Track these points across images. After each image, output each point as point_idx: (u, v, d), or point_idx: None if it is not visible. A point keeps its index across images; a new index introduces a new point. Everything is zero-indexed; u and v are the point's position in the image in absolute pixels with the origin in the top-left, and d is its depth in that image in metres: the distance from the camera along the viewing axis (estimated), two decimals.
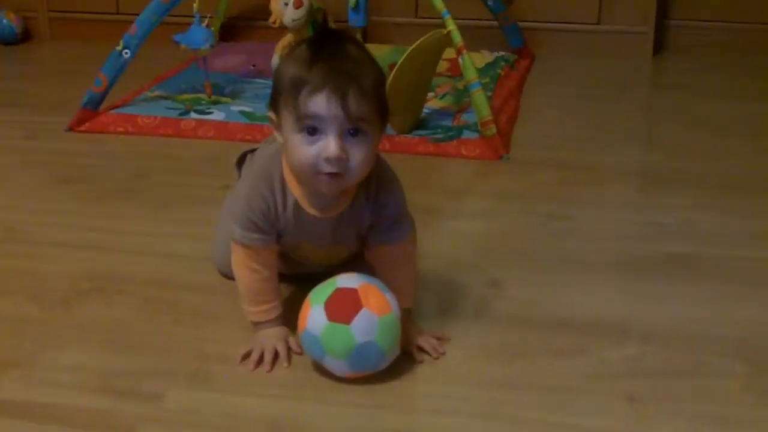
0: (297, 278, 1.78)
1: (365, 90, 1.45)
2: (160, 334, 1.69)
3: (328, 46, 1.48)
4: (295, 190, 1.57)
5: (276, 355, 1.59)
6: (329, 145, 1.44)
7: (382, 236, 1.62)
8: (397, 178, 1.63)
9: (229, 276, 1.79)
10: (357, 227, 1.62)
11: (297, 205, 1.58)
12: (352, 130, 1.45)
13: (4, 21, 3.86)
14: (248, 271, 1.62)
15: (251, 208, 1.58)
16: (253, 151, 1.80)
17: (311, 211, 1.58)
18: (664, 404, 1.48)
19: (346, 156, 1.45)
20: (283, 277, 1.73)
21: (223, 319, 1.72)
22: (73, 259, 1.97)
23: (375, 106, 1.47)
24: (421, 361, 1.58)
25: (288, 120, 1.47)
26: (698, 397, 1.49)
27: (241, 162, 1.82)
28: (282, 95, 1.48)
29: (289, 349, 1.61)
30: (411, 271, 1.66)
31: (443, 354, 1.60)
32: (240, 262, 1.63)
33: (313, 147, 1.45)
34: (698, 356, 1.60)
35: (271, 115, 1.54)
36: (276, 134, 1.55)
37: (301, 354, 1.59)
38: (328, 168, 1.46)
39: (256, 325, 1.64)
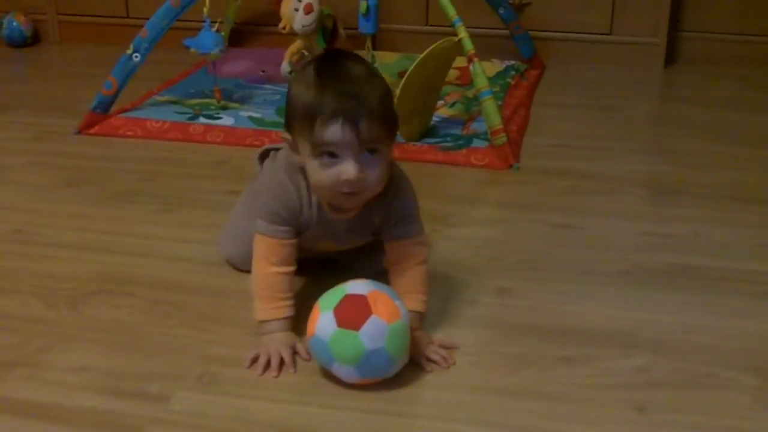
0: (305, 281, 1.78)
1: (374, 112, 1.52)
2: (167, 337, 1.68)
3: (333, 69, 1.56)
4: (313, 194, 1.64)
5: (282, 362, 1.58)
6: (347, 169, 1.51)
7: (392, 231, 1.68)
8: (409, 183, 1.69)
9: (236, 267, 1.86)
10: (370, 225, 1.69)
11: (320, 206, 1.64)
12: (369, 151, 1.53)
13: (14, 24, 3.87)
14: (268, 264, 1.64)
15: (277, 201, 1.64)
16: (277, 149, 1.80)
17: (329, 212, 1.64)
18: (673, 415, 1.47)
19: (364, 176, 1.53)
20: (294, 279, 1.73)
21: (230, 323, 1.72)
22: (80, 260, 1.97)
23: (385, 124, 1.56)
24: (431, 371, 1.57)
25: (305, 147, 1.55)
26: (708, 409, 1.49)
27: (263, 157, 1.83)
28: (296, 122, 1.56)
29: (296, 354, 1.60)
30: (422, 274, 1.68)
31: (453, 364, 1.59)
32: (261, 255, 1.66)
33: (332, 170, 1.53)
34: (707, 368, 1.60)
35: (287, 136, 1.60)
36: (292, 154, 1.61)
37: (308, 360, 1.59)
38: (347, 189, 1.54)
39: (264, 323, 1.64)
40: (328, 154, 1.52)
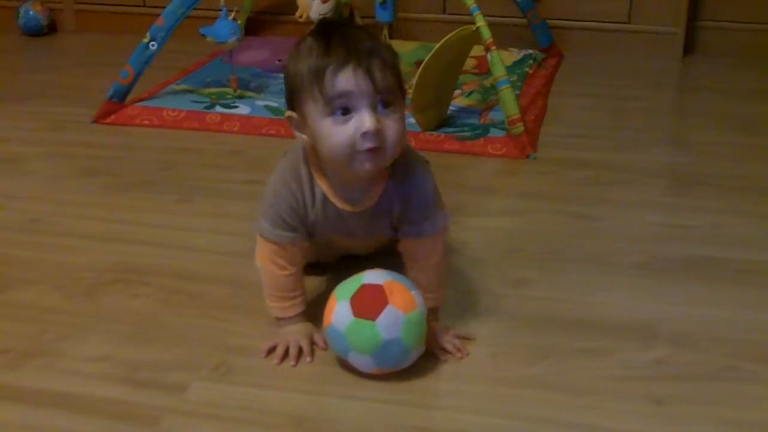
0: (322, 272, 1.78)
1: (387, 62, 1.45)
2: (184, 326, 1.68)
3: (335, 32, 1.47)
4: (322, 184, 1.56)
5: (300, 351, 1.58)
6: (365, 119, 1.42)
7: (411, 228, 1.60)
8: (424, 162, 1.61)
9: None
10: (389, 217, 1.60)
11: (325, 199, 1.56)
12: (382, 103, 1.44)
13: (31, 13, 3.87)
14: (274, 266, 1.61)
15: (279, 204, 1.58)
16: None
17: (342, 205, 1.57)
18: (692, 408, 1.46)
19: (382, 128, 1.43)
20: (308, 271, 1.72)
21: (246, 312, 1.71)
22: (97, 250, 1.97)
23: (397, 78, 1.47)
24: (446, 361, 1.57)
25: (314, 109, 1.45)
26: (727, 402, 1.48)
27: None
28: (303, 89, 1.46)
29: (313, 344, 1.60)
30: (440, 269, 1.64)
31: (467, 355, 1.59)
32: (265, 257, 1.62)
33: (348, 126, 1.43)
34: (726, 360, 1.59)
35: (291, 114, 1.52)
36: (298, 134, 1.53)
37: (325, 350, 1.59)
38: (367, 144, 1.43)
39: (279, 320, 1.64)
40: (342, 110, 1.43)
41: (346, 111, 1.43)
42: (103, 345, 1.62)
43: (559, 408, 1.46)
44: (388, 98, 1.44)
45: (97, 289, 1.81)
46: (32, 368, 1.56)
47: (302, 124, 1.50)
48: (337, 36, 1.46)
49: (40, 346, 1.62)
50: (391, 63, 1.46)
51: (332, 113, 1.43)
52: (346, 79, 1.41)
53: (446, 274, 1.68)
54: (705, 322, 1.71)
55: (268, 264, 1.62)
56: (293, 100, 1.50)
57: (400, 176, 1.56)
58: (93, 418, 1.43)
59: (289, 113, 1.53)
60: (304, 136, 1.52)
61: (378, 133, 1.43)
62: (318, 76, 1.42)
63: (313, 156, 1.55)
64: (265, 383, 1.52)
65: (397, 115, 1.46)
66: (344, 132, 1.43)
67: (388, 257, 1.71)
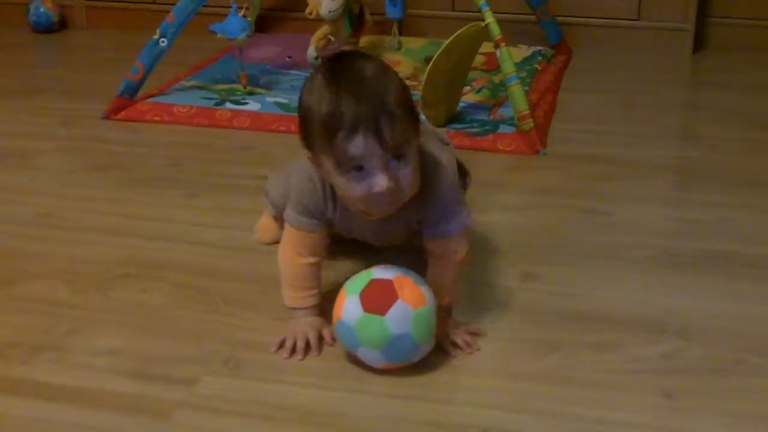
0: (332, 265, 1.78)
1: (394, 114, 1.43)
2: (194, 321, 1.69)
3: (344, 73, 1.47)
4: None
5: (308, 345, 1.59)
6: (378, 181, 1.44)
7: (431, 230, 1.61)
8: (442, 167, 1.60)
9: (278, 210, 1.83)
10: (406, 222, 1.63)
11: (345, 207, 1.59)
12: (394, 157, 1.45)
13: (41, 9, 3.87)
14: (295, 254, 1.64)
15: (303, 193, 1.61)
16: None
17: (359, 215, 1.56)
18: (702, 401, 1.46)
19: (395, 185, 1.45)
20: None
21: (256, 307, 1.72)
22: (107, 244, 1.98)
23: (406, 123, 1.46)
24: (455, 356, 1.57)
25: (328, 163, 1.47)
26: (737, 395, 1.48)
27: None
28: (315, 138, 1.47)
29: (321, 338, 1.61)
30: (461, 268, 1.64)
31: (477, 350, 1.59)
32: (288, 243, 1.65)
33: (362, 184, 1.45)
34: (736, 354, 1.58)
35: (308, 154, 1.53)
36: (316, 167, 1.55)
37: (332, 345, 1.59)
38: (381, 200, 1.47)
39: (292, 310, 1.64)
40: (355, 168, 1.44)
41: (360, 168, 1.45)
42: (114, 339, 1.63)
43: (568, 402, 1.46)
44: (399, 153, 1.45)
45: (107, 284, 1.82)
46: (42, 362, 1.56)
47: (318, 163, 1.52)
48: (347, 82, 1.45)
49: (50, 340, 1.63)
50: (399, 110, 1.45)
51: (347, 171, 1.46)
52: (358, 145, 1.42)
53: (462, 276, 1.68)
54: (714, 315, 1.70)
55: (290, 252, 1.64)
56: (307, 137, 1.51)
57: (420, 193, 1.55)
58: (103, 412, 1.44)
59: (306, 152, 1.54)
60: (322, 170, 1.53)
61: (391, 191, 1.45)
62: (330, 136, 1.43)
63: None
64: (275, 377, 1.52)
65: (410, 160, 1.48)
66: (359, 189, 1.46)
67: (403, 253, 1.72)
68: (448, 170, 1.61)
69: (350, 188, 1.47)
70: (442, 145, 1.73)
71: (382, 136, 1.42)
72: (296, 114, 1.55)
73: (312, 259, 1.64)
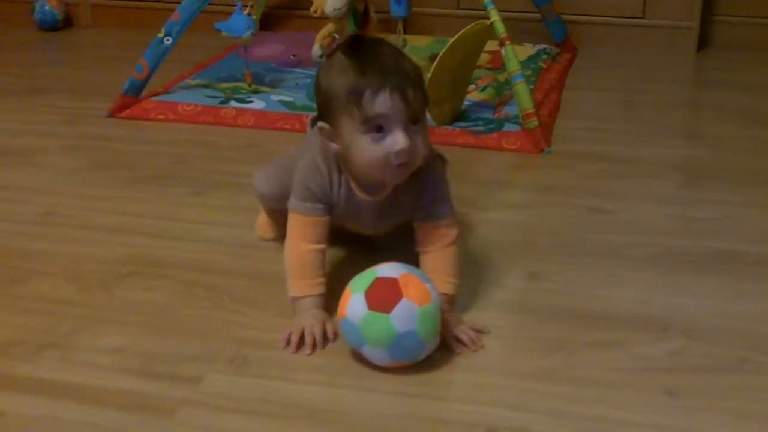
0: (337, 263, 1.78)
1: (416, 82, 1.57)
2: (199, 319, 1.69)
3: (367, 51, 1.60)
4: (348, 174, 1.65)
5: (314, 338, 1.59)
6: (398, 139, 1.53)
7: (423, 212, 1.68)
8: (438, 161, 1.71)
9: (266, 202, 1.91)
10: (399, 208, 1.69)
11: (349, 188, 1.66)
12: (412, 121, 1.54)
13: (46, 7, 3.88)
14: (303, 241, 1.67)
15: (309, 179, 1.67)
16: None
17: (360, 194, 1.66)
18: (706, 400, 1.46)
19: (414, 145, 1.55)
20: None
21: (261, 305, 1.72)
22: (112, 243, 1.98)
23: (423, 95, 1.59)
24: (459, 353, 1.57)
25: (350, 125, 1.56)
26: (740, 394, 1.48)
27: (314, 123, 1.82)
28: (339, 105, 1.57)
29: (325, 334, 1.61)
30: (452, 255, 1.68)
31: (482, 347, 1.59)
32: (295, 232, 1.68)
33: (382, 144, 1.54)
34: (740, 352, 1.58)
35: (324, 125, 1.62)
36: (328, 143, 1.62)
37: (333, 342, 1.60)
38: (399, 160, 1.55)
39: (296, 300, 1.65)
40: (377, 128, 1.53)
41: (380, 129, 1.54)
42: (119, 337, 1.63)
43: (572, 400, 1.46)
44: (417, 116, 1.56)
45: (112, 282, 1.82)
46: (47, 360, 1.57)
47: (334, 135, 1.61)
48: (370, 55, 1.58)
49: (55, 338, 1.63)
50: (419, 81, 1.58)
51: (369, 131, 1.55)
52: (384, 103, 1.53)
53: (460, 265, 1.69)
54: (719, 314, 1.70)
55: (296, 239, 1.67)
56: (327, 113, 1.61)
57: (416, 173, 1.63)
58: (108, 410, 1.44)
59: (321, 124, 1.62)
60: (335, 145, 1.61)
61: (410, 151, 1.55)
62: (356, 97, 1.54)
63: (336, 157, 1.65)
64: (280, 375, 1.52)
65: (422, 130, 1.59)
66: (379, 149, 1.55)
67: (403, 244, 1.72)
68: (442, 165, 1.73)
69: (370, 150, 1.55)
70: None
71: (405, 95, 1.53)
72: (301, 111, 1.60)
73: (318, 246, 1.67)
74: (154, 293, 1.78)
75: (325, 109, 1.62)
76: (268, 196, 1.89)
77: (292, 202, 1.69)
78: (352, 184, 1.66)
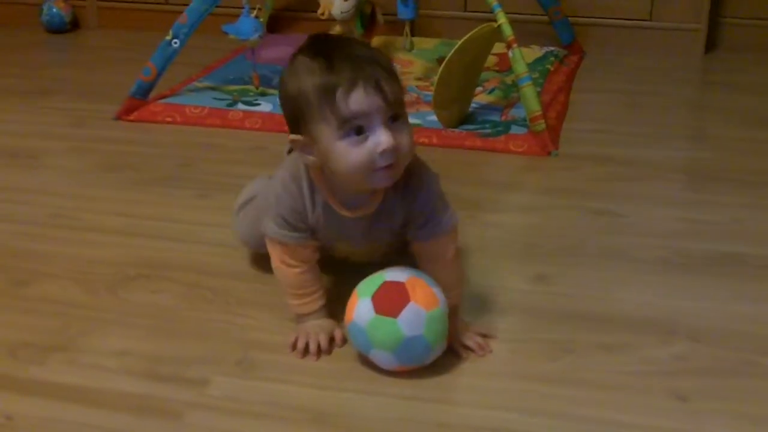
0: (344, 267, 1.78)
1: (390, 73, 1.44)
2: (205, 321, 1.69)
3: (331, 47, 1.46)
4: (323, 191, 1.55)
5: (318, 347, 1.59)
6: (381, 138, 1.41)
7: (417, 233, 1.58)
8: (427, 168, 1.58)
9: (258, 250, 1.79)
10: (389, 224, 1.59)
11: (327, 205, 1.56)
12: (392, 117, 1.43)
13: (54, 10, 3.88)
14: (285, 266, 1.62)
15: (282, 206, 1.57)
16: None
17: (342, 211, 1.55)
18: (713, 403, 1.46)
19: (398, 143, 1.42)
20: (330, 268, 1.73)
21: (267, 307, 1.72)
22: (119, 245, 1.98)
23: (399, 84, 1.45)
24: (466, 358, 1.57)
25: (326, 131, 1.43)
26: (748, 398, 1.47)
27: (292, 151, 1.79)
28: (310, 110, 1.44)
29: (332, 340, 1.60)
30: (454, 269, 1.62)
31: (489, 352, 1.59)
32: (276, 257, 1.62)
33: (364, 147, 1.42)
34: (748, 356, 1.58)
35: (296, 138, 1.49)
36: (303, 156, 1.51)
37: (341, 347, 1.60)
38: (383, 162, 1.43)
39: (300, 317, 1.64)
40: (356, 130, 1.41)
41: (360, 130, 1.42)
42: (125, 340, 1.63)
43: (579, 404, 1.46)
44: (397, 111, 1.44)
45: (119, 284, 1.82)
46: (54, 362, 1.57)
47: (309, 146, 1.48)
48: (335, 50, 1.45)
49: (62, 341, 1.63)
50: (394, 72, 1.45)
51: (347, 135, 1.42)
52: (359, 99, 1.40)
53: (462, 272, 1.68)
54: (726, 317, 1.70)
55: (279, 264, 1.62)
56: (298, 122, 1.48)
57: (400, 184, 1.54)
58: (115, 413, 1.44)
59: (293, 137, 1.50)
60: (311, 158, 1.50)
61: (395, 150, 1.42)
62: (327, 97, 1.41)
63: (314, 170, 1.54)
64: (286, 378, 1.52)
65: (405, 126, 1.46)
66: (361, 152, 1.42)
67: (404, 256, 1.68)
68: (433, 176, 1.58)
69: (351, 154, 1.42)
70: None
71: (382, 88, 1.40)
72: (283, 110, 1.51)
73: (305, 267, 1.61)
74: (160, 295, 1.79)
75: (296, 118, 1.48)
76: (252, 244, 1.80)
77: (268, 227, 1.59)
78: (331, 201, 1.55)
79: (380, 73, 1.41)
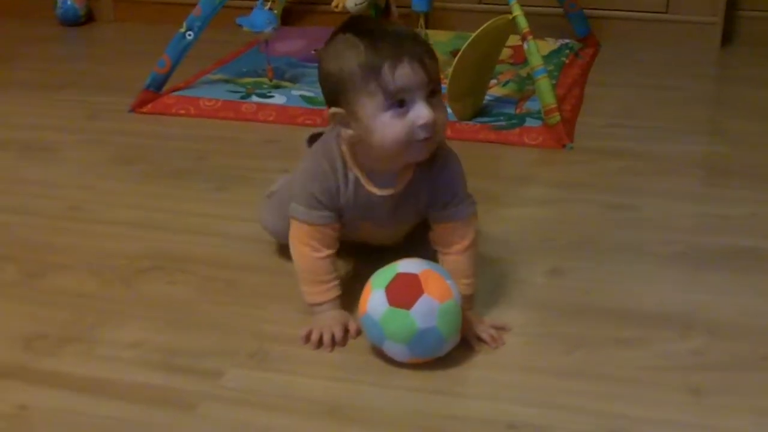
0: (358, 259, 1.78)
1: (429, 49, 1.53)
2: (220, 313, 1.69)
3: (373, 27, 1.54)
4: (355, 169, 1.59)
5: (333, 339, 1.58)
6: (422, 112, 1.48)
7: (440, 214, 1.62)
8: (453, 153, 1.64)
9: (281, 241, 1.81)
10: (415, 204, 1.63)
11: (358, 183, 1.59)
12: (431, 93, 1.50)
13: (68, 3, 3.88)
14: (308, 248, 1.62)
15: (314, 184, 1.60)
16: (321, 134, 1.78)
17: (371, 189, 1.59)
18: (729, 398, 1.45)
19: (436, 118, 1.49)
20: (344, 260, 1.73)
21: (282, 300, 1.72)
22: (134, 237, 1.99)
23: (438, 63, 1.54)
24: (480, 351, 1.56)
25: (369, 105, 1.49)
26: (764, 392, 1.47)
27: (312, 140, 1.80)
28: (353, 85, 1.50)
29: (347, 332, 1.60)
30: (471, 256, 1.64)
31: (502, 344, 1.58)
32: (300, 240, 1.63)
33: (405, 119, 1.48)
34: (764, 350, 1.57)
35: (337, 110, 1.55)
36: (342, 129, 1.56)
37: (355, 338, 1.59)
38: (424, 134, 1.49)
39: (314, 306, 1.64)
40: (399, 103, 1.48)
41: (402, 103, 1.48)
42: (140, 331, 1.63)
43: (594, 398, 1.45)
44: (436, 87, 1.51)
45: (134, 276, 1.82)
46: (70, 354, 1.57)
47: (349, 120, 1.54)
48: (377, 30, 1.52)
49: (77, 332, 1.63)
50: (431, 49, 1.53)
51: (391, 107, 1.48)
52: (405, 74, 1.47)
53: (478, 262, 1.67)
54: (742, 312, 1.69)
55: (303, 247, 1.63)
56: (339, 97, 1.54)
57: (428, 164, 1.59)
58: (129, 404, 1.44)
59: (334, 110, 1.56)
60: (350, 132, 1.54)
61: (434, 124, 1.49)
62: (374, 72, 1.47)
63: (347, 145, 1.58)
64: (300, 370, 1.52)
65: (441, 103, 1.53)
66: (403, 124, 1.49)
67: (420, 246, 1.69)
68: (459, 161, 1.64)
69: (393, 125, 1.49)
70: None
71: (425, 64, 1.48)
72: (322, 107, 1.56)
73: (326, 252, 1.63)
74: (175, 288, 1.79)
75: (337, 94, 1.54)
76: (281, 233, 1.78)
77: (296, 210, 1.62)
78: (362, 179, 1.59)
79: (423, 50, 1.50)
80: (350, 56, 1.50)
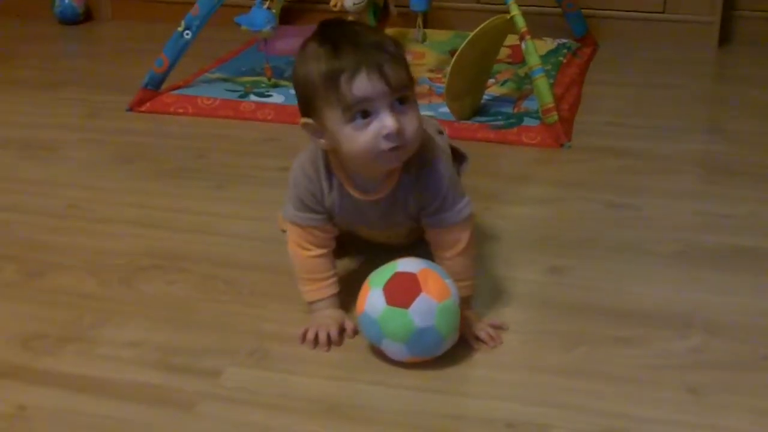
0: (357, 258, 1.78)
1: (396, 57, 1.47)
2: (219, 312, 1.69)
3: (339, 33, 1.49)
4: (339, 174, 1.58)
5: (329, 338, 1.58)
6: (385, 122, 1.44)
7: (432, 219, 1.60)
8: (442, 155, 1.61)
9: None
10: (405, 208, 1.61)
11: (341, 186, 1.58)
12: (398, 100, 1.46)
13: (67, 1, 3.88)
14: (300, 249, 1.63)
15: (299, 188, 1.60)
16: None
17: (355, 193, 1.58)
18: (727, 397, 1.45)
19: (402, 127, 1.45)
20: (342, 258, 1.73)
21: (281, 299, 1.72)
22: (132, 236, 1.99)
23: (405, 67, 1.48)
24: (478, 350, 1.56)
25: (333, 116, 1.47)
26: (763, 392, 1.47)
27: None
28: (317, 96, 1.48)
29: (343, 330, 1.60)
30: (468, 259, 1.62)
31: (501, 344, 1.58)
32: (293, 240, 1.64)
33: (369, 130, 1.45)
34: (763, 350, 1.57)
35: (307, 121, 1.52)
36: (315, 140, 1.54)
37: (352, 338, 1.60)
38: (388, 144, 1.46)
39: (312, 304, 1.64)
40: (361, 114, 1.44)
41: (365, 114, 1.45)
42: (140, 330, 1.63)
43: (593, 396, 1.45)
44: (403, 95, 1.47)
45: (133, 275, 1.82)
46: (69, 353, 1.57)
47: (320, 130, 1.52)
48: (342, 37, 1.48)
49: (76, 332, 1.63)
50: (399, 56, 1.48)
51: (352, 119, 1.45)
52: (363, 85, 1.43)
53: (476, 262, 1.67)
54: (741, 311, 1.69)
55: (295, 247, 1.64)
56: (308, 107, 1.52)
57: (413, 169, 1.57)
58: (128, 403, 1.44)
59: (304, 120, 1.53)
60: (322, 141, 1.53)
61: (399, 133, 1.45)
62: (332, 83, 1.44)
63: (330, 153, 1.57)
64: (299, 369, 1.52)
65: (413, 109, 1.49)
66: (366, 136, 1.45)
67: (420, 245, 1.69)
68: (442, 148, 1.62)
69: (357, 138, 1.46)
70: (436, 131, 1.74)
71: (385, 73, 1.43)
72: (295, 95, 1.55)
73: (320, 251, 1.63)
74: (174, 286, 1.79)
75: (306, 103, 1.52)
76: None
77: (288, 211, 1.63)
78: (345, 184, 1.57)
79: (384, 58, 1.44)
80: (313, 64, 1.47)
